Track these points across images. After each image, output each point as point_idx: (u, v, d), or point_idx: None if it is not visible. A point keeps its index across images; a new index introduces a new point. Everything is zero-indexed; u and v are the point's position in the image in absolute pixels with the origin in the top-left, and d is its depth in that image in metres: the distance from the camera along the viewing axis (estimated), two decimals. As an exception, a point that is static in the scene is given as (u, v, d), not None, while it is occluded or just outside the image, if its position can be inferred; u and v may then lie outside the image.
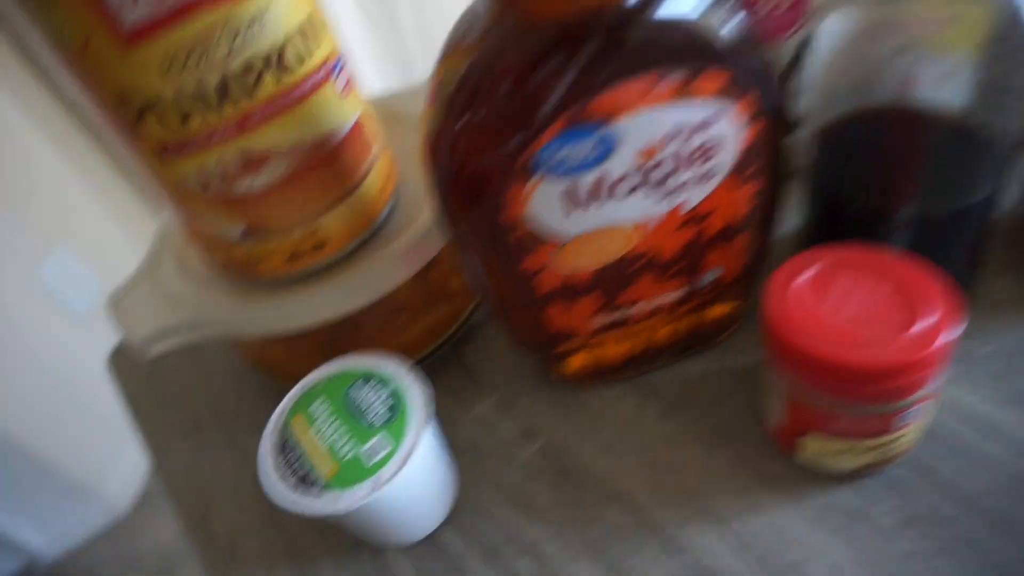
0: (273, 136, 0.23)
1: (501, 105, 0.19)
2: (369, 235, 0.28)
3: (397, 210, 0.29)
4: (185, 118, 0.22)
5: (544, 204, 0.21)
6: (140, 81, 0.21)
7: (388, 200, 0.28)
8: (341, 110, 0.25)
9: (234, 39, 0.21)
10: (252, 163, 0.23)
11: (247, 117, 0.22)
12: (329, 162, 0.25)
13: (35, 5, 0.19)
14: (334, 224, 0.26)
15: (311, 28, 0.23)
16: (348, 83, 0.25)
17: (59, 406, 1.10)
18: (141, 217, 1.25)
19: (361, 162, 0.26)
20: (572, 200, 0.21)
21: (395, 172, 0.29)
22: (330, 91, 0.24)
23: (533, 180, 0.20)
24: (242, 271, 0.27)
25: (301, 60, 0.23)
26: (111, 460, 1.18)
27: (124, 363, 0.37)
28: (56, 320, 1.10)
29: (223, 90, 0.22)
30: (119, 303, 0.28)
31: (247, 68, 0.22)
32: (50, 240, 1.09)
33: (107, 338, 1.14)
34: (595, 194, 0.21)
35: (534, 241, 0.22)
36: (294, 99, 0.23)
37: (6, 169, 1.02)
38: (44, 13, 0.20)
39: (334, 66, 0.24)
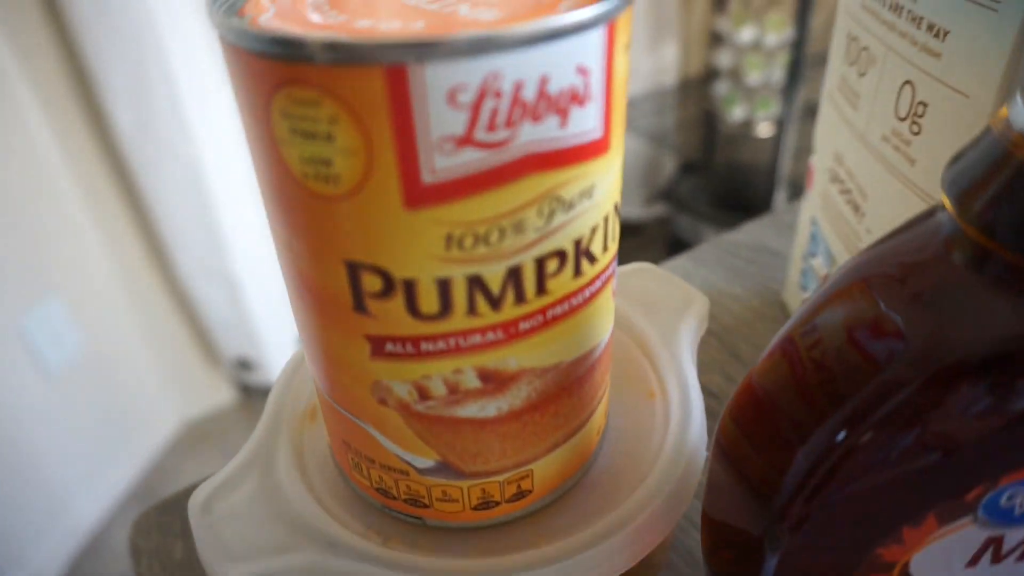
0: (538, 350, 0.17)
1: (959, 406, 0.13)
2: (574, 483, 0.21)
3: (605, 455, 0.22)
4: (442, 312, 0.15)
5: (947, 552, 0.14)
6: (406, 253, 0.14)
7: (602, 435, 0.21)
8: (608, 318, 0.19)
9: (552, 216, 0.15)
10: (496, 383, 0.17)
11: (519, 322, 0.16)
12: (576, 388, 0.18)
13: (309, 115, 0.13)
14: (548, 469, 0.19)
15: (619, 207, 0.17)
16: (615, 282, 0.19)
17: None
18: (148, 282, 1.21)
19: (600, 390, 0.20)
20: (984, 555, 0.14)
21: (608, 398, 0.22)
22: (608, 294, 0.18)
23: (959, 522, 0.14)
24: (403, 506, 0.19)
25: (605, 249, 0.17)
26: (32, 542, 1.04)
27: (154, 547, 0.28)
28: (27, 375, 1.01)
29: (512, 283, 0.15)
30: (209, 506, 0.20)
31: (554, 255, 0.15)
32: (41, 287, 1.03)
33: (76, 402, 1.07)
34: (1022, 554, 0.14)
35: (898, 591, 0.15)
36: (580, 303, 0.17)
37: (19, 199, 0.98)
38: (317, 129, 0.13)
39: (615, 260, 0.18)
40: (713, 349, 0.34)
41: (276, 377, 0.24)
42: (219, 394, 1.43)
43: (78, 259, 1.12)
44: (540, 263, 0.15)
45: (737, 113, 1.49)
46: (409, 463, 0.18)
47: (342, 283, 0.15)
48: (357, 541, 0.19)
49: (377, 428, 0.18)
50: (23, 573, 1.04)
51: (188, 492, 0.30)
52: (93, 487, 1.19)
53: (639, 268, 0.27)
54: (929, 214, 0.15)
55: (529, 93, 0.13)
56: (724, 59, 1.49)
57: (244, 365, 1.40)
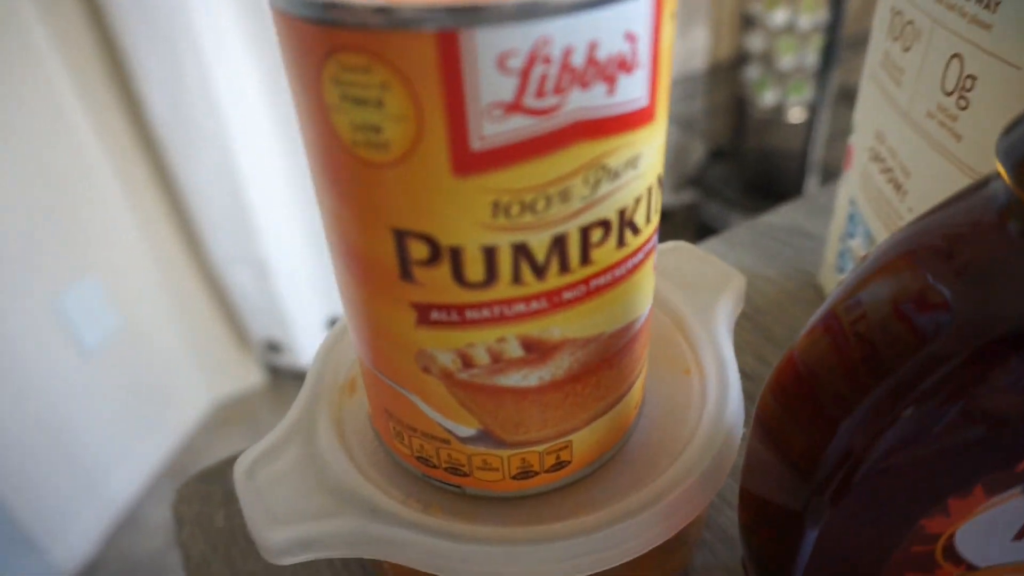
0: (581, 320, 0.17)
1: (1007, 379, 0.13)
2: (612, 455, 0.21)
3: (642, 429, 0.22)
4: (488, 280, 0.15)
5: (994, 525, 0.14)
6: (453, 221, 0.14)
7: (639, 409, 0.22)
8: (649, 293, 0.19)
9: (598, 184, 0.15)
10: (539, 352, 0.17)
11: (563, 291, 0.16)
12: (617, 360, 0.18)
13: (359, 81, 0.13)
14: (586, 440, 0.19)
15: (662, 179, 0.17)
16: (655, 255, 0.19)
17: (34, 447, 1.01)
18: (180, 264, 1.24)
19: (639, 363, 0.20)
20: (1032, 527, 0.14)
21: (646, 372, 0.22)
22: (649, 267, 0.18)
23: (1007, 493, 0.14)
24: (443, 474, 0.20)
25: (648, 221, 0.17)
26: (69, 517, 1.07)
27: (195, 514, 0.28)
28: (63, 353, 1.04)
29: (557, 251, 0.15)
30: (253, 472, 0.20)
31: (598, 224, 0.15)
32: (78, 267, 1.06)
33: (111, 381, 1.10)
34: (1073, 528, 0.14)
35: (943, 559, 0.15)
36: (623, 274, 0.17)
37: (57, 181, 1.01)
38: (367, 95, 0.13)
39: (657, 233, 0.18)
40: (747, 331, 0.34)
41: (306, 358, 0.25)
42: (248, 375, 1.46)
43: (114, 240, 1.14)
44: (585, 232, 0.15)
45: (768, 98, 1.47)
46: (451, 431, 0.18)
47: (389, 251, 0.15)
48: (398, 508, 0.19)
49: (420, 396, 0.18)
50: (60, 548, 1.07)
51: (229, 462, 0.30)
52: (126, 464, 1.22)
53: (676, 246, 0.27)
54: (981, 185, 0.15)
55: (578, 59, 0.13)
56: (756, 42, 1.46)
57: (273, 347, 1.42)
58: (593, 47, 0.13)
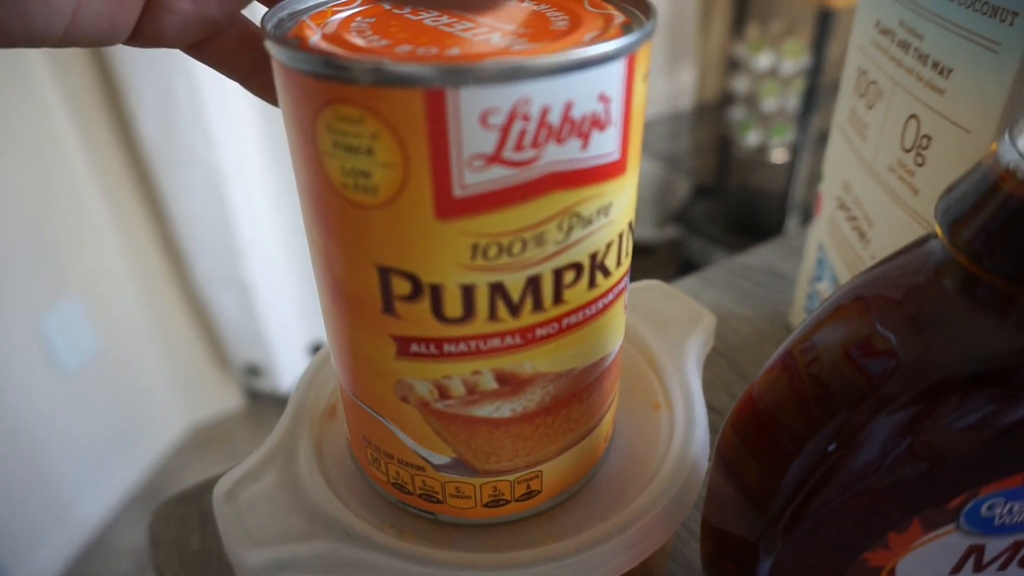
0: (553, 356, 0.18)
1: (946, 420, 0.14)
2: (579, 487, 0.21)
3: (609, 456, 0.23)
4: (466, 316, 0.16)
5: (930, 559, 0.15)
6: (435, 261, 0.15)
7: (609, 442, 0.22)
8: (619, 331, 0.20)
9: (571, 230, 0.16)
10: (512, 385, 0.18)
11: (536, 328, 0.17)
12: (586, 394, 0.19)
13: (351, 131, 0.14)
14: (556, 471, 0.20)
15: (633, 224, 0.18)
16: (626, 295, 0.20)
17: (4, 467, 0.99)
18: (164, 286, 1.23)
19: (608, 398, 0.21)
20: (967, 563, 0.15)
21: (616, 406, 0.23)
22: (620, 307, 0.19)
23: (942, 530, 0.15)
24: (418, 501, 0.20)
25: (619, 264, 0.18)
26: (37, 540, 1.05)
27: (172, 536, 0.29)
28: (41, 373, 1.03)
29: (531, 291, 0.16)
30: (232, 494, 0.21)
31: (571, 267, 0.17)
32: (61, 286, 1.05)
33: (88, 402, 1.08)
34: (1007, 560, 0.15)
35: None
36: (593, 313, 0.18)
37: (44, 199, 1.01)
38: (359, 144, 0.14)
39: (628, 275, 0.19)
40: (719, 368, 0.35)
41: (286, 383, 0.25)
42: (227, 399, 1.45)
43: (98, 260, 1.14)
44: (558, 274, 0.16)
45: (752, 138, 1.51)
46: (426, 459, 0.19)
47: (373, 286, 0.16)
48: (373, 532, 0.20)
49: (397, 424, 0.19)
50: (25, 571, 1.05)
51: (206, 485, 0.31)
52: (98, 487, 1.20)
53: (649, 285, 0.28)
54: (923, 241, 0.16)
55: (555, 117, 0.14)
56: (741, 85, 1.50)
57: (253, 371, 1.41)
58: (569, 107, 0.14)
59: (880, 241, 0.27)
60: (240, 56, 0.20)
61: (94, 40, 0.17)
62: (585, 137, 0.15)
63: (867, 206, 0.28)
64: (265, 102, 0.21)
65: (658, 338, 0.26)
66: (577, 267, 0.17)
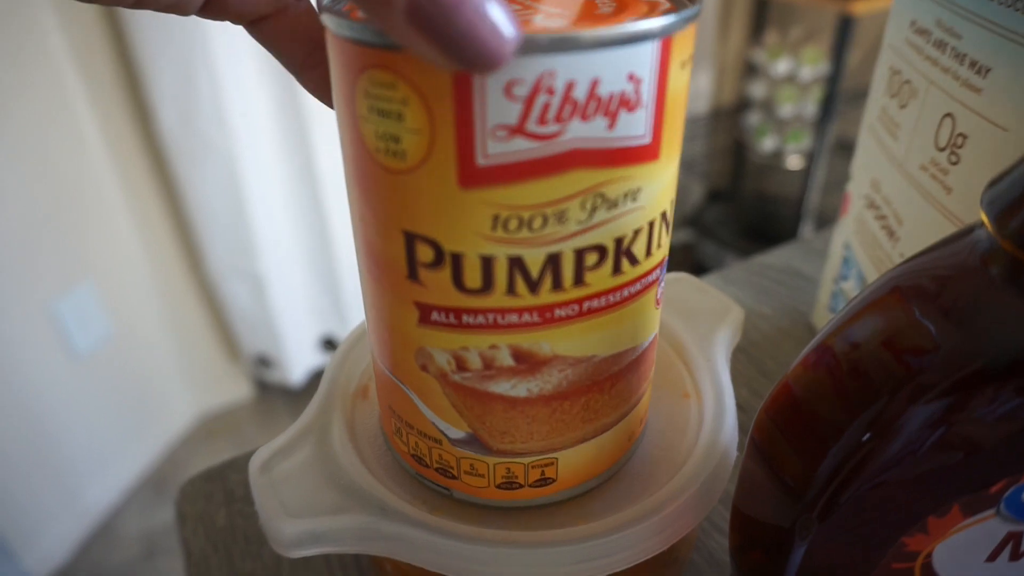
0: (572, 339, 0.18)
1: (984, 409, 0.14)
2: (603, 480, 0.22)
3: (638, 449, 0.23)
4: (485, 288, 0.17)
5: (967, 545, 0.15)
6: (456, 229, 0.16)
7: (635, 442, 0.22)
8: (650, 324, 0.20)
9: (594, 211, 0.16)
10: (528, 364, 0.18)
11: (555, 308, 0.17)
12: (608, 385, 0.19)
13: (385, 95, 0.15)
14: (572, 461, 0.20)
15: (669, 217, 0.19)
16: (662, 292, 0.21)
17: (15, 449, 1.00)
18: (177, 274, 1.24)
19: (635, 394, 0.21)
20: (1004, 551, 0.15)
21: (648, 407, 0.23)
22: (651, 298, 0.19)
23: (982, 515, 0.15)
24: (434, 475, 0.21)
25: (648, 254, 0.18)
26: (45, 523, 1.06)
27: (198, 512, 0.29)
28: (54, 357, 1.04)
29: (550, 268, 0.16)
30: (268, 467, 0.21)
31: (593, 249, 0.17)
32: (77, 271, 1.06)
33: (99, 387, 1.09)
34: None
35: (919, 581, 0.16)
36: (618, 300, 0.18)
37: (63, 185, 1.02)
38: (390, 108, 0.15)
39: (663, 268, 0.20)
40: (741, 364, 0.35)
41: (295, 374, 0.25)
42: (237, 389, 1.45)
43: (113, 246, 1.15)
44: (579, 254, 0.17)
45: (767, 144, 1.50)
46: (443, 432, 0.19)
47: (399, 251, 0.17)
48: (406, 507, 0.20)
49: (417, 394, 0.19)
50: (33, 553, 1.06)
51: (230, 464, 0.31)
52: (107, 472, 1.21)
53: (678, 277, 0.29)
54: (966, 232, 0.16)
55: (580, 93, 0.14)
56: (758, 90, 1.50)
57: (263, 362, 1.42)
58: (595, 84, 0.14)
59: (910, 239, 0.27)
60: (298, 42, 0.20)
61: (170, 4, 0.18)
62: (612, 116, 0.15)
63: (897, 205, 0.28)
64: (314, 98, 0.21)
65: (687, 329, 0.26)
66: (600, 250, 0.17)
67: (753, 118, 1.53)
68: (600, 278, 0.17)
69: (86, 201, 1.08)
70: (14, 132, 0.96)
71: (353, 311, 1.39)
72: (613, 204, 0.16)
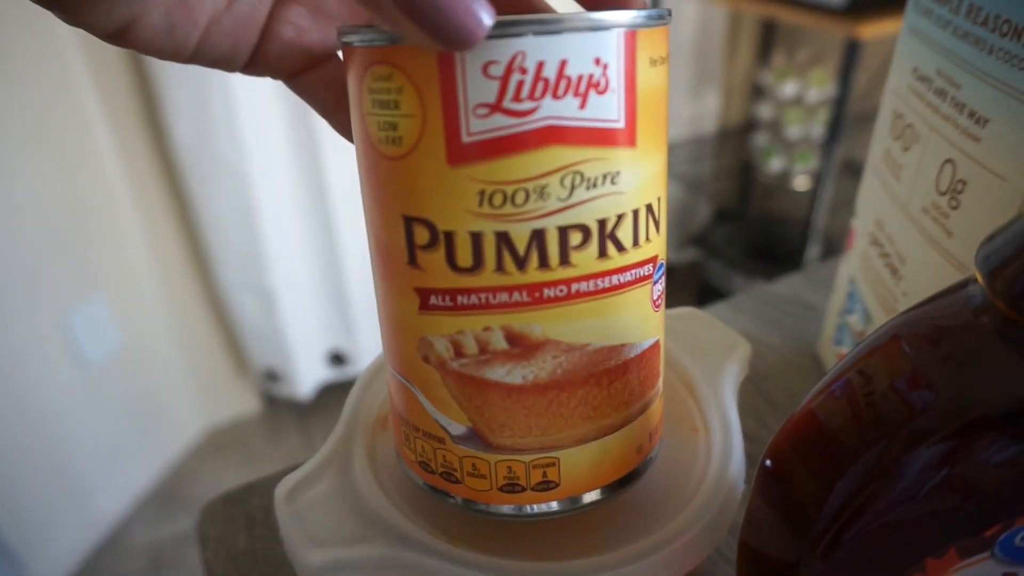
0: (563, 323, 0.19)
1: (982, 455, 0.15)
2: (609, 494, 0.22)
3: (649, 471, 0.24)
4: (476, 266, 0.18)
5: (965, 584, 0.16)
6: (448, 207, 0.17)
7: (646, 458, 0.23)
8: (646, 324, 0.20)
9: (573, 188, 0.17)
10: (522, 348, 0.19)
11: (544, 287, 0.18)
12: (605, 381, 0.20)
13: (383, 87, 0.17)
14: (575, 463, 0.21)
15: (657, 213, 0.20)
16: (661, 297, 0.21)
17: (25, 458, 1.01)
18: (188, 288, 1.26)
19: (638, 399, 0.21)
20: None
21: (661, 427, 0.24)
22: (645, 295, 0.20)
23: (977, 557, 0.16)
24: (440, 481, 0.21)
25: (635, 243, 0.19)
26: (53, 532, 1.07)
27: (219, 534, 0.30)
28: (66, 367, 1.05)
29: (536, 245, 0.18)
30: (293, 496, 0.22)
31: (576, 227, 0.18)
32: (89, 284, 1.08)
33: (108, 398, 1.11)
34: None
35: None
36: (607, 287, 0.19)
37: (77, 199, 1.03)
38: (388, 99, 0.17)
39: (658, 268, 0.20)
40: (748, 395, 0.36)
41: (303, 389, 0.26)
42: (245, 403, 1.46)
43: (125, 261, 1.16)
44: (563, 232, 0.18)
45: (775, 165, 1.52)
46: (445, 428, 0.20)
47: (400, 237, 0.18)
48: (426, 537, 0.21)
49: (420, 388, 0.20)
50: (40, 562, 1.07)
51: (248, 488, 0.32)
52: (115, 483, 1.22)
53: (687, 312, 0.29)
54: (962, 285, 0.17)
55: (550, 72, 0.16)
56: (765, 111, 1.51)
57: (271, 377, 1.43)
58: (564, 64, 0.16)
59: (912, 279, 0.28)
60: (330, 90, 0.22)
61: (218, 59, 0.19)
62: (583, 97, 0.17)
63: (900, 244, 0.29)
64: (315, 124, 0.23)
65: (695, 364, 0.27)
66: (584, 230, 0.18)
67: (760, 139, 1.54)
68: (586, 260, 0.18)
69: (100, 215, 1.10)
70: (31, 147, 0.98)
71: (361, 326, 1.40)
72: (592, 184, 0.18)
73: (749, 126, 1.64)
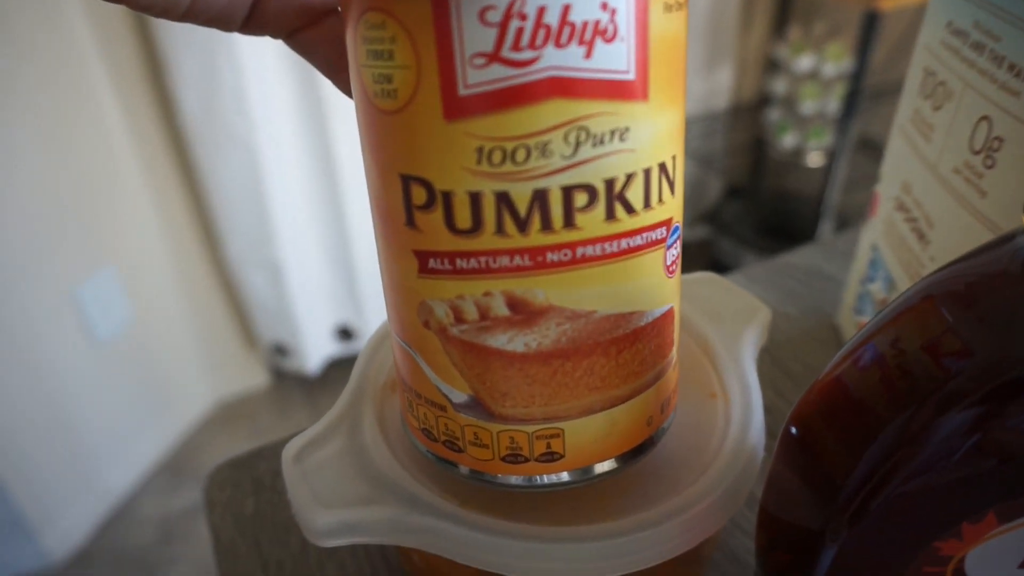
0: (565, 287, 0.17)
1: (1017, 418, 0.14)
2: (619, 466, 0.21)
3: (663, 440, 0.23)
4: (475, 227, 0.17)
5: (1001, 551, 0.15)
6: (445, 165, 0.16)
7: (657, 430, 0.22)
8: (659, 290, 0.19)
9: (578, 145, 0.16)
10: (524, 315, 0.18)
11: (547, 251, 0.17)
12: (613, 351, 0.19)
13: (377, 36, 0.16)
14: (579, 434, 0.20)
15: (672, 173, 0.18)
16: (676, 262, 0.20)
17: (37, 431, 1.02)
18: (197, 262, 1.26)
19: (650, 368, 0.20)
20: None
21: (675, 397, 0.23)
22: (657, 260, 0.19)
23: (1017, 521, 0.15)
24: (442, 449, 0.21)
25: (647, 205, 0.18)
26: (64, 504, 1.08)
27: (226, 499, 0.29)
28: (75, 341, 1.06)
29: (538, 206, 0.16)
30: (300, 458, 0.21)
31: (581, 187, 0.16)
32: (98, 258, 1.08)
33: (118, 371, 1.11)
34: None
35: (951, 586, 0.16)
36: (615, 251, 0.18)
37: (86, 172, 1.03)
38: (382, 48, 0.16)
39: (672, 232, 0.19)
40: (765, 365, 0.35)
41: (312, 363, 0.26)
42: (253, 377, 1.47)
43: (134, 233, 1.16)
44: (567, 193, 0.16)
45: (788, 141, 1.49)
46: (447, 396, 0.19)
47: (398, 197, 0.17)
48: (436, 500, 0.20)
49: (421, 354, 0.19)
50: (52, 533, 1.08)
51: (257, 453, 0.32)
52: (125, 455, 1.22)
53: (706, 277, 0.29)
54: (1006, 239, 0.16)
55: (552, 18, 0.15)
56: (779, 86, 1.49)
57: (280, 351, 1.43)
58: (567, 9, 0.15)
59: (940, 243, 0.27)
60: (331, 47, 0.21)
61: (213, 17, 0.18)
62: (588, 45, 0.15)
63: (928, 208, 0.28)
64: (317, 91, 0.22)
65: (714, 328, 0.26)
66: (590, 190, 0.17)
67: (774, 114, 1.52)
68: (592, 222, 0.17)
69: (109, 188, 1.10)
70: (39, 120, 0.97)
71: (369, 301, 1.39)
72: (599, 140, 0.16)
73: (763, 101, 1.61)
